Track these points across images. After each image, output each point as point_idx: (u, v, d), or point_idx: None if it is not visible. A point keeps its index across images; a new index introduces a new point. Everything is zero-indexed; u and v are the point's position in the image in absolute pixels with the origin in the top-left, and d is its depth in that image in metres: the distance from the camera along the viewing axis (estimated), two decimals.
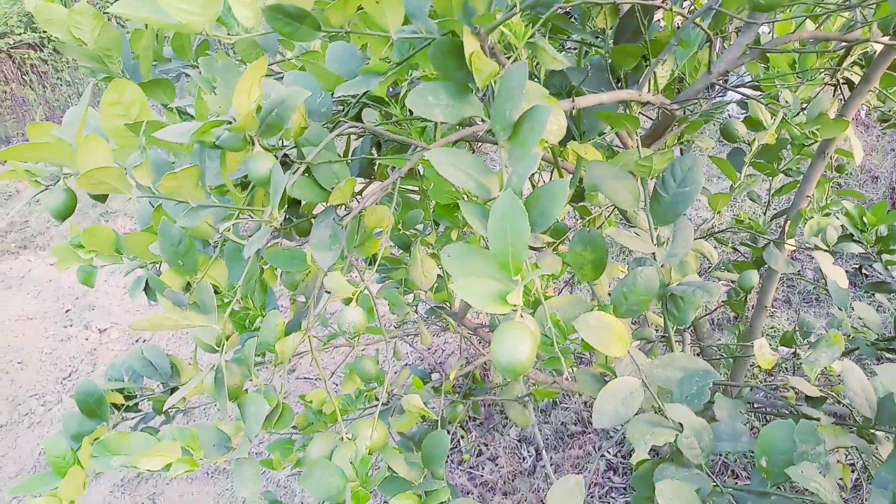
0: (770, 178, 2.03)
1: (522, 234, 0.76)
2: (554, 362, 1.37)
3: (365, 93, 1.09)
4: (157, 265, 1.41)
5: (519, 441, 2.71)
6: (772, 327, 2.95)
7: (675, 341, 1.36)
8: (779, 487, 1.05)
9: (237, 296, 0.90)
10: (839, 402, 1.21)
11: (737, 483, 2.06)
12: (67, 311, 4.22)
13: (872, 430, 1.14)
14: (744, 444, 1.13)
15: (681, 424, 1.09)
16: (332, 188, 0.91)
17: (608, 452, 2.55)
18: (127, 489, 2.87)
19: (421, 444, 1.31)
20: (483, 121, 0.88)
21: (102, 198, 1.10)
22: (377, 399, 1.87)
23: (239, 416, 0.93)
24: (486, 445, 2.71)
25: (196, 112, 0.96)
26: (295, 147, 0.97)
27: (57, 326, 4.07)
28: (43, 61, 7.38)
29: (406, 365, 3.08)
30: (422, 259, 1.28)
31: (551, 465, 2.60)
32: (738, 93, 1.34)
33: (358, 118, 1.24)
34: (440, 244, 1.38)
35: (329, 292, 1.14)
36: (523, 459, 2.64)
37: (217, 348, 0.91)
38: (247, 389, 0.98)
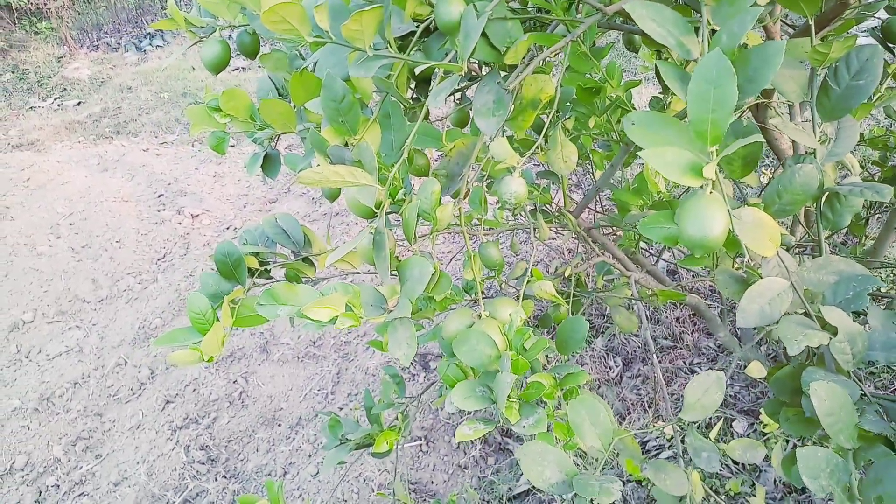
0: None
1: (728, 100, 0.71)
2: (696, 261, 1.32)
3: None
4: (276, 140, 1.41)
5: (606, 352, 2.70)
6: (885, 256, 2.81)
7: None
8: None
9: (403, 155, 0.87)
10: None
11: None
12: (160, 196, 4.35)
13: None
14: None
15: (835, 328, 1.03)
16: (506, 48, 0.85)
17: (699, 368, 2.52)
18: (221, 367, 3.00)
19: None
20: None
21: (253, 52, 1.08)
22: (483, 293, 1.86)
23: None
24: (573, 353, 2.71)
25: None
26: None
27: (151, 210, 4.20)
28: None
29: (521, 259, 3.07)
30: (562, 143, 1.22)
31: (638, 376, 2.59)
32: None
33: None
34: (577, 131, 1.32)
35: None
36: (609, 369, 2.64)
37: (376, 211, 0.89)
38: (397, 256, 0.97)
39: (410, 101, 1.33)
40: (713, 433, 1.47)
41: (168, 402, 2.85)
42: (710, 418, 2.32)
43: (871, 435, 0.99)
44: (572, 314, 2.46)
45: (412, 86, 1.38)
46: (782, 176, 1.15)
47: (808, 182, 1.14)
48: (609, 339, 2.74)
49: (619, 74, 1.51)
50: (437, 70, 1.15)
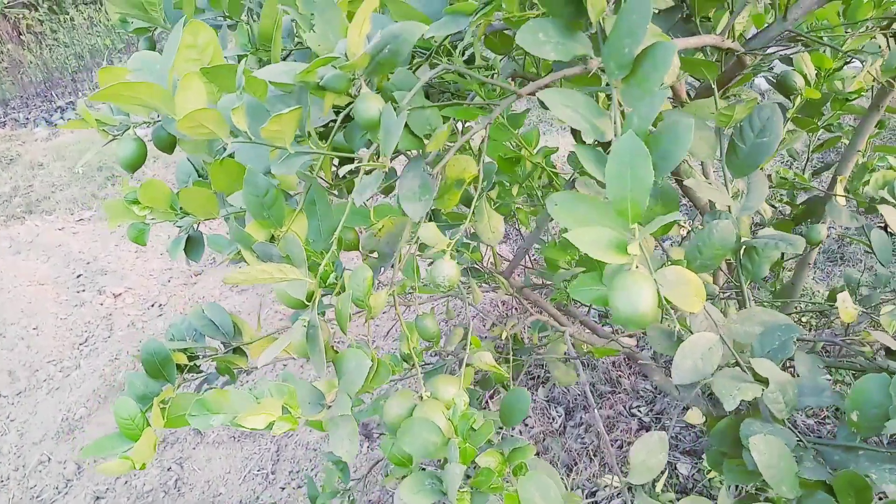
0: (811, 134, 2.00)
1: (645, 180, 0.73)
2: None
3: (445, 39, 1.04)
4: (197, 224, 1.37)
5: (548, 402, 2.71)
6: (803, 290, 2.93)
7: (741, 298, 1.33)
8: (866, 442, 1.04)
9: (333, 246, 0.86)
10: None
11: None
12: (79, 276, 4.18)
13: None
14: (826, 398, 1.11)
15: (766, 379, 1.06)
16: (426, 135, 0.86)
17: (639, 411, 2.55)
18: (155, 454, 2.85)
19: None
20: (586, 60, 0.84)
21: (171, 147, 1.06)
22: (424, 362, 1.84)
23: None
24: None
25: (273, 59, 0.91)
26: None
27: (70, 292, 4.03)
28: (39, 21, 7.21)
29: (456, 325, 3.05)
30: (488, 214, 1.24)
31: (581, 425, 2.60)
32: (815, 41, 1.30)
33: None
34: (501, 200, 1.34)
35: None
36: (553, 420, 2.64)
37: (307, 303, 0.88)
38: (333, 347, 0.95)
39: (332, 178, 1.33)
40: (659, 485, 1.48)
41: (98, 498, 2.69)
42: None
43: (811, 482, 1.01)
44: (514, 374, 2.46)
45: (335, 163, 1.38)
46: (701, 233, 1.19)
47: (726, 237, 1.18)
48: (550, 390, 2.75)
49: (536, 138, 1.55)
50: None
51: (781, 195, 2.30)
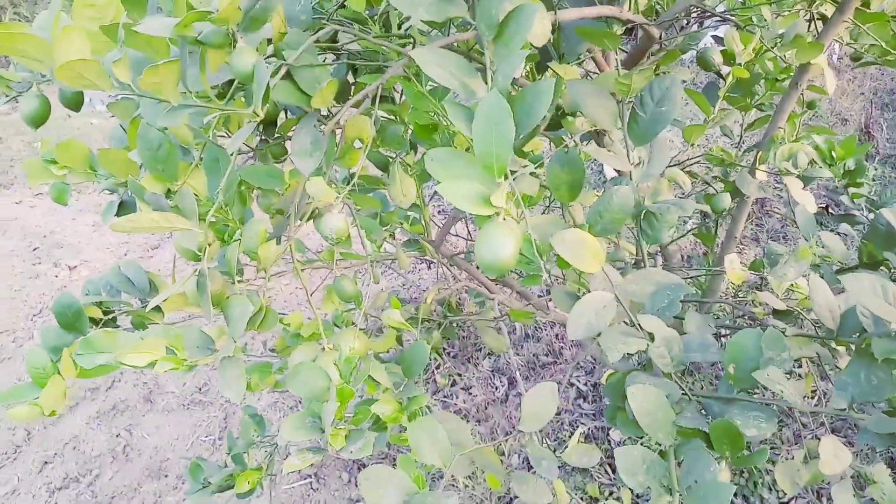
0: (743, 112, 2.05)
1: (507, 135, 0.77)
2: (534, 280, 1.39)
3: (342, 5, 1.08)
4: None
5: (492, 372, 2.77)
6: (740, 262, 3.01)
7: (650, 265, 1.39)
8: (745, 393, 1.10)
9: (220, 199, 0.90)
10: (804, 318, 1.26)
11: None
12: (35, 249, 4.16)
13: (834, 342, 1.19)
14: (712, 354, 1.17)
15: (651, 335, 1.12)
16: (314, 92, 0.90)
17: (578, 381, 2.62)
18: (103, 421, 2.88)
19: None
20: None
21: (77, 104, 1.08)
22: (353, 323, 1.89)
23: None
24: (460, 376, 2.76)
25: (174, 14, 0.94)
26: (273, 56, 0.96)
27: (25, 264, 4.01)
28: None
29: (383, 290, 3.10)
30: (400, 178, 1.28)
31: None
32: (720, 16, 1.35)
33: (334, 41, 1.23)
34: (419, 167, 1.38)
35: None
36: (496, 389, 2.70)
37: (200, 254, 0.91)
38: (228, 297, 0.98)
39: (259, 141, 1.36)
40: (573, 441, 1.54)
41: (46, 462, 2.71)
42: (589, 429, 2.42)
43: (688, 430, 1.06)
44: (447, 339, 2.52)
45: (260, 129, 1.41)
46: (602, 198, 1.24)
47: (625, 202, 1.23)
48: (495, 360, 2.82)
49: None
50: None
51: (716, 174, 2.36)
